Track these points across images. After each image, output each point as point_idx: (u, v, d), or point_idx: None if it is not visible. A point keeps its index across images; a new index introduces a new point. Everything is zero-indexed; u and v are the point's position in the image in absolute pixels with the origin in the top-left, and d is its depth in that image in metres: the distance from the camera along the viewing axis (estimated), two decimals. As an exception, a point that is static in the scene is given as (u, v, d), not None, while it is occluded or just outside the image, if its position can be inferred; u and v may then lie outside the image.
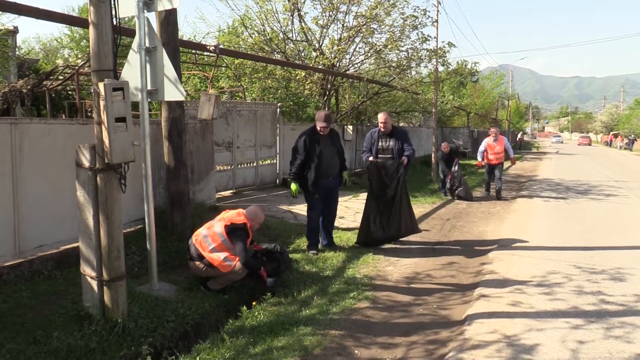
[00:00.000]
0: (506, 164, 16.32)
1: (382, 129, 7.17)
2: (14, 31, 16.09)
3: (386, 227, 6.90)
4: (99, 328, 3.81)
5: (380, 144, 7.16)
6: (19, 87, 13.10)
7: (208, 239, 5.01)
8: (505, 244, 7.39)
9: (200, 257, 5.00)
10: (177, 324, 4.27)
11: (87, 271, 3.97)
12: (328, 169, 6.47)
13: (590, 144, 65.67)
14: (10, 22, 14.39)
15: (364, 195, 10.11)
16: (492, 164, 12.75)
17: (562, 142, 72.62)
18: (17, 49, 17.98)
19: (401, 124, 23.77)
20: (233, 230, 5.01)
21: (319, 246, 6.70)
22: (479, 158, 13.08)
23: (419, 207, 10.43)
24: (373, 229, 6.91)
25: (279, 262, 5.54)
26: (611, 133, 68.08)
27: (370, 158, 7.05)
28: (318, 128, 6.44)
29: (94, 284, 3.95)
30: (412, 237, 7.38)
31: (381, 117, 7.22)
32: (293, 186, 6.51)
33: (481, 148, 13.00)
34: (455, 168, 12.54)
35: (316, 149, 6.42)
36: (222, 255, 4.93)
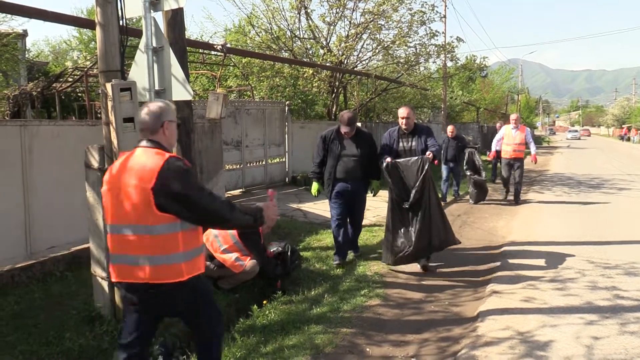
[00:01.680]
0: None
1: (403, 126, 5.95)
2: (24, 34, 16.22)
3: (415, 240, 5.51)
4: (110, 328, 3.83)
5: (401, 144, 5.99)
6: (29, 90, 13.20)
7: (219, 239, 5.00)
8: (517, 240, 7.32)
9: (211, 258, 4.99)
10: (188, 323, 4.27)
11: (98, 272, 3.98)
12: (345, 172, 5.85)
13: (589, 135, 75.53)
14: (20, 25, 14.53)
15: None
16: (510, 158, 10.75)
17: (579, 139, 61.81)
18: (26, 52, 18.12)
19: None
20: (245, 234, 4.98)
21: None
22: (493, 147, 11.38)
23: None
24: (398, 244, 5.62)
25: (288, 262, 5.50)
26: (625, 126, 64.73)
27: (388, 159, 5.74)
28: (342, 131, 5.89)
29: (105, 284, 3.96)
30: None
31: (402, 111, 5.99)
32: (314, 185, 6.19)
33: (497, 136, 11.21)
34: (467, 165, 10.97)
35: (335, 150, 5.89)
36: (233, 255, 4.93)
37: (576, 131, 71.76)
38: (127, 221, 2.57)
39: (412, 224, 5.58)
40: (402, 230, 5.64)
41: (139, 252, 2.55)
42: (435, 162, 5.87)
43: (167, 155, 2.62)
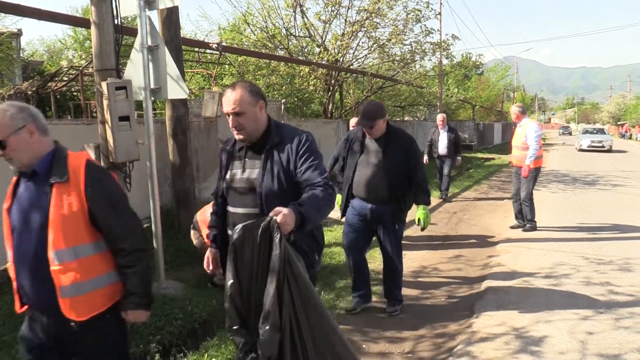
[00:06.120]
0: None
1: (235, 134, 2.71)
2: (18, 34, 16.17)
3: None
4: (106, 326, 3.82)
5: (232, 172, 2.75)
6: (24, 89, 13.16)
7: None
8: (512, 236, 7.35)
9: None
10: (185, 321, 4.28)
11: (95, 270, 3.98)
12: (360, 187, 4.29)
13: (571, 134, 65.17)
14: (13, 24, 14.48)
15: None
16: (514, 165, 7.96)
17: (608, 149, 28.55)
18: (21, 51, 18.05)
19: (406, 118, 23.58)
20: None
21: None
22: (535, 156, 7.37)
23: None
24: None
25: None
26: (627, 123, 59.82)
27: (239, 225, 2.20)
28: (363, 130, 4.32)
29: (102, 283, 3.96)
30: (418, 231, 7.22)
31: (228, 98, 2.63)
32: (338, 198, 4.57)
33: (538, 136, 7.36)
34: None
35: (354, 157, 4.33)
36: None
37: (602, 131, 33.18)
38: None
39: None
40: None
41: None
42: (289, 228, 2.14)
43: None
